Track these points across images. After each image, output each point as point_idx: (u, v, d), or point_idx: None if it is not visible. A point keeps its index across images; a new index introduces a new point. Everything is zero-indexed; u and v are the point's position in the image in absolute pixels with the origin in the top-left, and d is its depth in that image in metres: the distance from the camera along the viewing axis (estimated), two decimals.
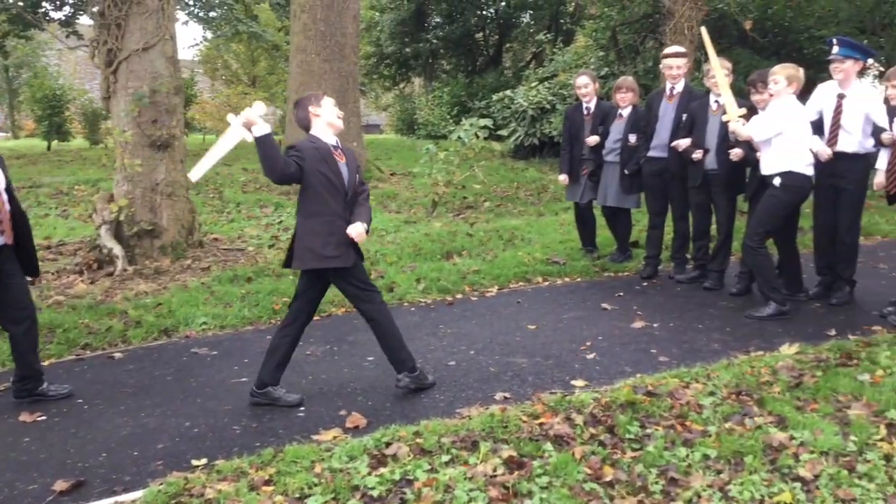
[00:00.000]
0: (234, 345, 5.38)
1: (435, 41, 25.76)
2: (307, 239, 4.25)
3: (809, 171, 5.77)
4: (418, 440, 3.79)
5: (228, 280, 6.86)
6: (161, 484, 3.42)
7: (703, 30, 6.38)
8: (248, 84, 25.05)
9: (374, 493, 3.33)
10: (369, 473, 3.49)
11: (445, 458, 3.63)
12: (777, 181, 5.72)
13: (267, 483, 3.43)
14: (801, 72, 5.76)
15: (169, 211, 7.63)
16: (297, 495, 3.33)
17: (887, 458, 3.69)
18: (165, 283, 6.76)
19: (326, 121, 4.39)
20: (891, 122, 5.69)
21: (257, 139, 4.06)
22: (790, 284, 6.31)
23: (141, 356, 5.28)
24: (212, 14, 23.40)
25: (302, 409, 4.32)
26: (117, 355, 5.29)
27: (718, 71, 6.02)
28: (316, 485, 3.40)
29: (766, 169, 5.81)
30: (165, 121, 7.57)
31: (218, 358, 5.14)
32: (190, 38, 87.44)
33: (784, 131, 5.66)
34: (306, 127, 4.43)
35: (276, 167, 4.08)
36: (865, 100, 5.90)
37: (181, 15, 23.48)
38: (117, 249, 7.24)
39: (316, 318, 5.95)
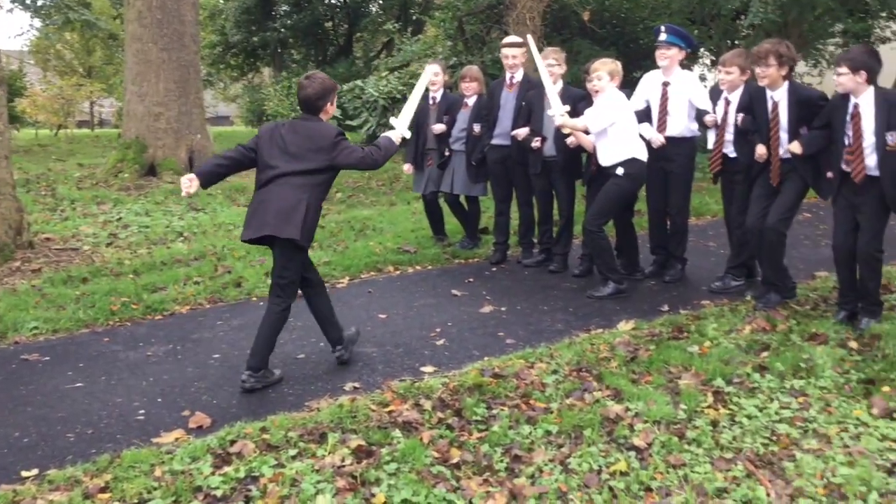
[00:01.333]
0: (67, 349, 5.10)
1: (283, 30, 25.26)
2: (316, 218, 4.54)
3: (645, 157, 6.06)
4: (265, 436, 3.73)
5: (62, 281, 6.49)
6: None
7: (530, 37, 6.54)
8: (84, 75, 23.76)
9: (218, 493, 3.25)
10: (213, 473, 3.40)
11: (293, 452, 3.59)
12: (620, 171, 5.96)
13: (103, 490, 3.28)
14: (619, 65, 6.04)
15: None
16: (136, 501, 3.20)
17: (714, 423, 3.95)
18: None
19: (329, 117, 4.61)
20: (715, 106, 6.07)
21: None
22: (628, 265, 6.62)
23: None
24: (39, 1, 21.97)
25: (142, 412, 4.15)
26: None
27: (544, 72, 6.18)
28: (156, 489, 3.29)
29: (606, 160, 6.03)
30: None
31: (50, 364, 4.85)
32: (17, 26, 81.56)
33: (617, 122, 5.92)
34: (316, 110, 4.50)
35: None
36: (688, 86, 6.27)
37: (4, 2, 21.95)
38: None
39: (158, 316, 5.76)
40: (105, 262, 7.14)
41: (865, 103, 4.97)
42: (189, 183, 4.35)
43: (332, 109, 4.59)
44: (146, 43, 11.87)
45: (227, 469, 3.44)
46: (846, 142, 5.07)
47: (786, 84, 5.46)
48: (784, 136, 5.47)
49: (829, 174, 5.34)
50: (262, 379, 4.45)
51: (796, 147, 5.33)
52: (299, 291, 4.70)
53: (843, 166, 5.12)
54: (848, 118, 5.04)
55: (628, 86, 6.54)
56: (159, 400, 4.31)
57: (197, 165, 12.36)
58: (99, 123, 29.68)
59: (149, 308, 5.86)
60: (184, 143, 12.31)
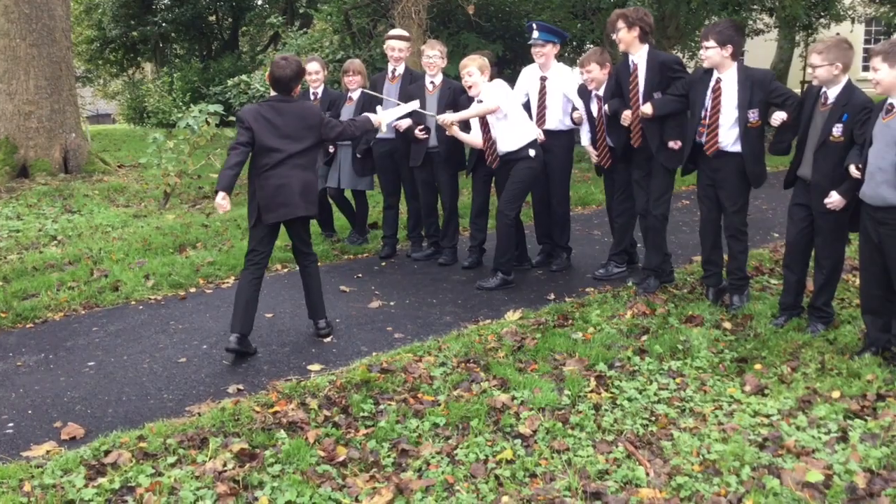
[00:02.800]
0: None
1: (164, 24, 24.40)
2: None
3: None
4: (142, 444, 3.59)
5: None
6: None
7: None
8: None
9: None
10: (86, 486, 3.26)
11: (171, 459, 3.47)
12: (532, 152, 6.02)
13: None
14: (486, 60, 6.09)
15: None
16: None
17: (596, 407, 4.04)
18: None
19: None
20: (588, 103, 6.20)
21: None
22: (518, 256, 6.70)
23: None
24: None
25: (10, 425, 3.93)
26: None
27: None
28: None
29: (511, 145, 6.02)
30: None
31: None
32: None
33: (509, 111, 5.97)
34: (290, 90, 4.83)
35: None
36: (563, 81, 6.39)
37: None
38: None
39: (29, 325, 5.48)
40: None
41: (728, 78, 5.18)
42: (225, 203, 4.68)
43: (298, 90, 4.99)
44: (14, 38, 11.25)
45: (101, 480, 3.29)
46: (702, 114, 5.27)
47: (645, 47, 5.65)
48: (642, 98, 5.65)
49: (673, 144, 5.54)
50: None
51: (648, 109, 5.51)
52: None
53: (698, 138, 5.31)
54: (709, 91, 5.24)
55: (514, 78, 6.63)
56: (30, 412, 4.09)
57: (73, 165, 11.84)
58: None
59: (19, 316, 5.55)
60: (57, 143, 11.75)
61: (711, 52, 5.15)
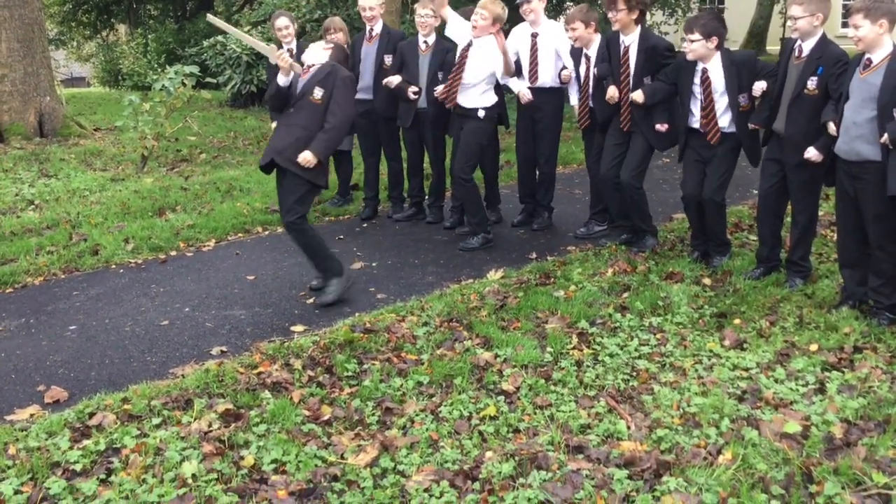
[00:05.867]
0: None
1: None
2: None
3: (496, 99, 6.14)
4: (126, 406, 3.59)
5: None
6: None
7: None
8: None
9: (77, 468, 3.12)
10: (71, 448, 3.26)
11: (156, 420, 3.48)
12: (482, 113, 5.99)
13: None
14: (506, 12, 5.98)
15: None
16: None
17: (578, 363, 4.08)
18: None
19: None
20: (577, 61, 6.16)
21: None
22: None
23: None
24: None
25: None
26: None
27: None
28: (10, 467, 3.12)
29: (469, 102, 6.00)
30: None
31: None
32: None
33: (496, 70, 5.94)
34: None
35: None
36: (554, 37, 6.34)
37: None
38: None
39: (9, 289, 5.44)
40: None
41: (714, 67, 5.17)
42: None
43: None
44: None
45: (86, 442, 3.30)
46: (697, 105, 5.25)
47: (638, 29, 5.61)
48: (632, 83, 5.63)
49: (661, 126, 5.55)
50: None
51: (639, 96, 5.51)
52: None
53: (696, 125, 5.30)
54: (698, 81, 5.22)
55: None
56: (12, 376, 4.08)
57: (48, 129, 11.67)
58: None
59: None
60: (32, 106, 11.55)
61: (696, 45, 5.10)
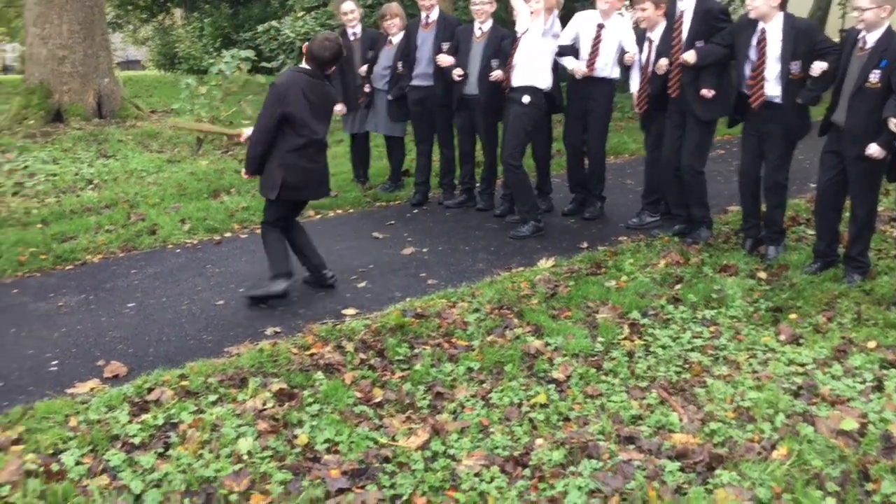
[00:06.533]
0: None
1: None
2: None
3: (548, 88, 6.10)
4: (183, 383, 3.67)
5: None
6: None
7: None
8: None
9: (136, 441, 3.21)
10: (130, 421, 3.35)
11: (213, 397, 3.55)
12: (526, 98, 5.97)
13: (16, 443, 3.19)
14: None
15: None
16: (51, 451, 3.13)
17: (629, 354, 4.06)
18: None
19: None
20: (640, 46, 6.10)
21: None
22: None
23: None
24: None
25: (54, 363, 4.03)
26: None
27: None
28: (71, 439, 3.21)
29: (518, 80, 5.98)
30: None
31: None
32: None
33: (553, 48, 5.92)
34: (325, 73, 4.77)
35: None
36: (620, 30, 6.26)
37: None
38: None
39: (69, 266, 5.58)
40: (11, 212, 6.83)
41: (773, 29, 5.06)
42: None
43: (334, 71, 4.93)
44: None
45: (144, 417, 3.38)
46: (749, 67, 5.16)
47: None
48: (685, 48, 5.55)
49: (707, 92, 5.43)
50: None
51: (691, 56, 5.41)
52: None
53: (745, 90, 5.22)
54: (754, 42, 5.12)
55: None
56: (73, 350, 4.19)
57: (107, 110, 11.90)
58: (3, 69, 28.15)
59: (59, 258, 5.66)
60: (91, 88, 11.80)
61: (759, 2, 5.01)
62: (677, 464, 3.03)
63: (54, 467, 3.00)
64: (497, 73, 6.21)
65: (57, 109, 11.57)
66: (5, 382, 3.82)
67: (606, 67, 6.30)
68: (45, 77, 11.52)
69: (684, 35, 5.52)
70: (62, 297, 4.97)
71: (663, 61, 5.60)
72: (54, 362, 4.05)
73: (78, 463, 3.07)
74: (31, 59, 11.75)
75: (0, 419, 3.40)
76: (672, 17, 5.62)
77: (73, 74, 11.61)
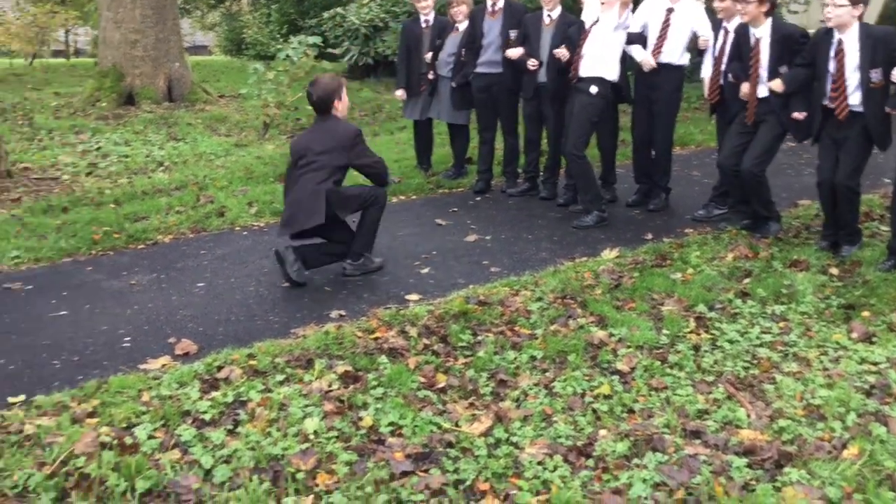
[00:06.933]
0: (50, 278, 5.06)
1: None
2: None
3: (615, 79, 6.05)
4: (252, 362, 3.75)
5: (42, 211, 6.41)
6: None
7: None
8: (58, 2, 23.02)
9: (206, 417, 3.28)
10: (201, 398, 3.43)
11: (280, 377, 3.62)
12: (594, 89, 5.92)
13: (91, 415, 3.30)
14: None
15: None
16: (124, 425, 3.22)
17: (696, 348, 4.00)
18: None
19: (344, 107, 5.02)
20: (716, 34, 5.99)
21: None
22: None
23: None
24: None
25: (127, 339, 4.15)
26: None
27: None
28: (143, 413, 3.31)
29: (587, 71, 5.96)
30: None
31: (33, 292, 4.82)
32: None
33: (622, 37, 5.87)
34: (328, 109, 4.91)
35: None
36: (692, 14, 6.16)
37: None
38: None
39: (141, 246, 5.73)
40: (85, 192, 7.05)
41: (850, 39, 4.92)
42: None
43: (341, 105, 4.97)
44: None
45: (214, 394, 3.46)
46: (830, 80, 5.03)
47: (768, 21, 5.40)
48: (764, 74, 5.44)
49: (799, 115, 5.31)
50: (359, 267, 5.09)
51: (778, 85, 5.31)
52: None
53: (827, 103, 5.08)
54: (832, 54, 4.99)
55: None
56: (145, 328, 4.31)
57: (177, 94, 12.15)
58: (75, 53, 28.92)
59: (131, 237, 5.82)
60: (162, 72, 12.07)
61: (841, 11, 4.86)
62: (744, 460, 2.98)
63: (128, 440, 3.09)
64: (561, 51, 6.13)
65: (129, 92, 11.87)
66: (80, 357, 3.95)
67: (675, 53, 6.19)
68: (118, 60, 11.82)
69: (764, 62, 5.41)
70: (134, 276, 5.10)
71: (747, 87, 5.52)
72: (127, 338, 4.17)
73: (150, 437, 3.15)
74: (104, 43, 12.07)
75: (76, 392, 3.52)
76: (747, 39, 5.50)
77: (144, 58, 11.89)
